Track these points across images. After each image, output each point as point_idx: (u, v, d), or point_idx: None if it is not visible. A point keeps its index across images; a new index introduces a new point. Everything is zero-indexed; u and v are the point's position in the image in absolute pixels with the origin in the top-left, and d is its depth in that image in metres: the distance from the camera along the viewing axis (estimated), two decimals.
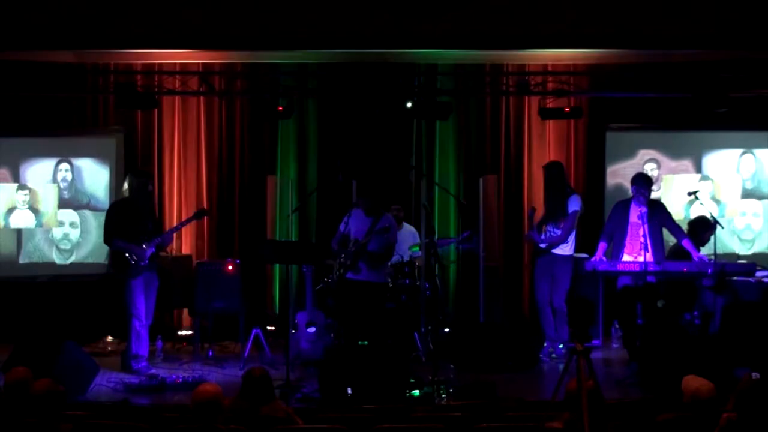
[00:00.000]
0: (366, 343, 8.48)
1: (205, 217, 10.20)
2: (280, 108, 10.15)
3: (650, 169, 11.14)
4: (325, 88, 11.12)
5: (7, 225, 10.85)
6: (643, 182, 9.49)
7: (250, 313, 10.15)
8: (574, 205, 9.70)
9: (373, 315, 8.98)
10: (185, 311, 10.76)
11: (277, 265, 10.99)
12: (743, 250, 11.29)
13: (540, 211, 9.93)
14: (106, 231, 9.23)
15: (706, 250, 9.50)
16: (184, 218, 10.39)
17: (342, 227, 9.21)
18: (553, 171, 9.89)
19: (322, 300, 10.00)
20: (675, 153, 11.36)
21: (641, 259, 9.05)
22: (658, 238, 9.35)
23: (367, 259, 8.94)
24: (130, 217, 9.11)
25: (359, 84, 10.69)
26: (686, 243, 9.37)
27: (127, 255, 9.01)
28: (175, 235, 9.87)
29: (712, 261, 9.20)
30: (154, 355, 9.70)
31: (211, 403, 5.00)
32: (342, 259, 9.21)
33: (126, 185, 9.31)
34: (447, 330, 10.03)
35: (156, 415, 6.20)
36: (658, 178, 11.20)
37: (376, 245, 8.92)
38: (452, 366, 9.15)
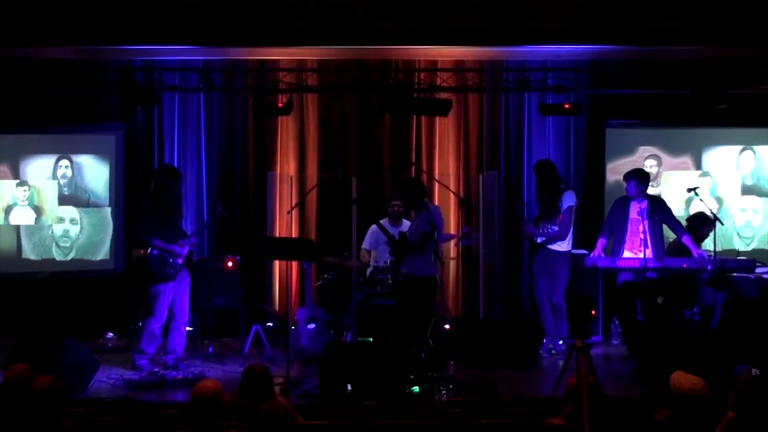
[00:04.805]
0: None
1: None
2: (280, 104, 10.14)
3: (650, 166, 11.15)
4: (324, 84, 11.11)
5: (7, 221, 10.86)
6: (641, 178, 9.49)
7: (250, 310, 10.15)
8: (569, 200, 9.71)
9: (407, 308, 9.01)
10: None
11: (277, 261, 10.98)
12: (743, 246, 11.30)
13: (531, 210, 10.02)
14: (143, 230, 9.11)
15: (705, 247, 9.51)
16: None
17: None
18: (543, 169, 9.90)
19: (322, 296, 10.01)
20: (675, 149, 11.37)
21: (641, 255, 9.07)
22: (658, 235, 9.35)
23: (406, 252, 9.07)
24: (163, 216, 9.05)
25: (359, 80, 10.69)
26: (686, 239, 9.38)
27: (165, 255, 8.98)
28: None
29: (712, 257, 9.21)
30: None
31: (211, 400, 5.00)
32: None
33: (153, 182, 9.26)
34: (447, 326, 10.04)
35: (156, 411, 6.20)
36: (657, 175, 11.21)
37: (414, 237, 9.00)
38: (452, 362, 9.16)
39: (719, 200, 11.29)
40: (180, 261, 9.04)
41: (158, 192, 9.15)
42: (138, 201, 9.63)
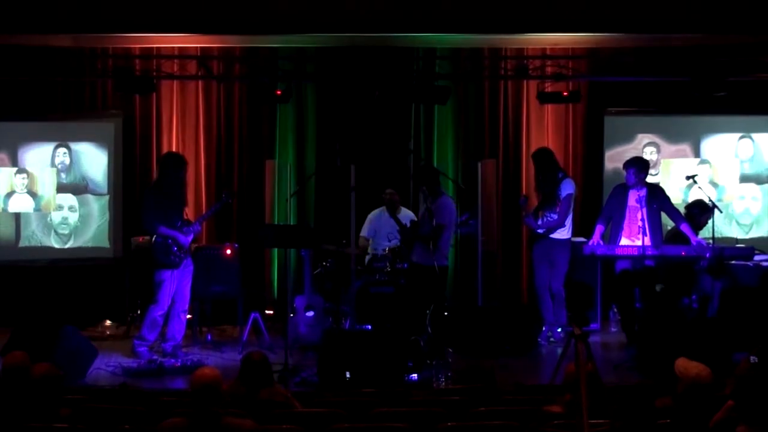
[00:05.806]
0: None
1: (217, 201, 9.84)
2: (279, 92, 10.13)
3: (649, 153, 11.14)
4: (323, 72, 11.10)
5: (5, 209, 10.85)
6: (641, 166, 9.49)
7: (249, 297, 10.15)
8: (568, 188, 9.71)
9: (412, 296, 9.16)
10: None
11: (276, 249, 10.97)
12: (741, 234, 11.30)
13: (533, 199, 10.00)
14: (147, 217, 9.04)
15: (704, 234, 9.51)
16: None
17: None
18: (542, 157, 9.90)
19: (321, 284, 10.01)
20: (673, 137, 11.36)
21: (639, 242, 9.07)
22: (656, 222, 9.35)
23: (416, 241, 9.25)
24: (167, 204, 9.03)
25: (358, 68, 10.67)
26: (684, 227, 9.37)
27: (170, 242, 8.97)
28: None
29: (711, 245, 9.21)
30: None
31: (210, 387, 4.99)
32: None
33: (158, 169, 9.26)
34: (445, 314, 10.03)
35: (154, 399, 6.21)
36: (656, 162, 11.20)
37: (427, 228, 9.05)
38: (450, 350, 9.15)
39: (715, 185, 11.28)
40: (185, 248, 9.03)
41: (163, 179, 9.14)
42: (145, 189, 9.63)
